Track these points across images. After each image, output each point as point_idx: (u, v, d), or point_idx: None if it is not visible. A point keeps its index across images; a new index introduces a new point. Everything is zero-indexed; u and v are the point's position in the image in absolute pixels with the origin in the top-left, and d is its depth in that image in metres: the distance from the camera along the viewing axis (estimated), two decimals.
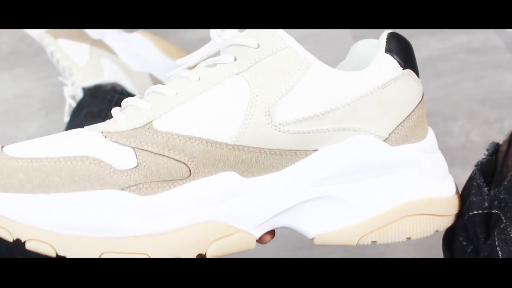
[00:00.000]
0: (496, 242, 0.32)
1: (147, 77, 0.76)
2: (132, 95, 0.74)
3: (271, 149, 0.33)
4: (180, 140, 0.32)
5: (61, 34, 0.75)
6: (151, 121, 0.32)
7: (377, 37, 0.37)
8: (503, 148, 0.37)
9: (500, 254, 0.32)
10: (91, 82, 0.73)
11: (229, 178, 0.32)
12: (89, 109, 0.70)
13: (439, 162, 0.37)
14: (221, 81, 0.33)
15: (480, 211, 0.35)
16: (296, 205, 0.34)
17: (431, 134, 0.37)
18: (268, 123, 0.32)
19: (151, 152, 0.31)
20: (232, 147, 0.32)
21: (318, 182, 0.34)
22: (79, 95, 0.74)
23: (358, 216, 0.35)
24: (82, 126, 0.67)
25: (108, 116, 0.70)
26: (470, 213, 0.35)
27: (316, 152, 0.34)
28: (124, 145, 0.32)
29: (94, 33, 0.75)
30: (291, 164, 0.33)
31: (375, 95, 0.33)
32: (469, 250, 0.36)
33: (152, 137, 0.32)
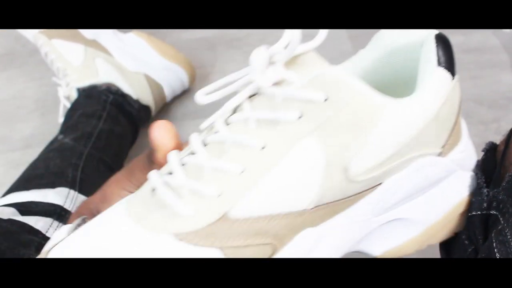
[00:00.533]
0: (494, 244, 0.32)
1: (143, 78, 0.75)
2: (127, 95, 0.73)
3: (343, 198, 0.31)
4: (261, 223, 0.29)
5: (55, 34, 0.74)
6: (226, 212, 0.28)
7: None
8: (501, 148, 0.36)
9: (497, 256, 0.32)
10: (85, 82, 0.73)
11: (306, 237, 0.30)
12: (84, 109, 0.70)
13: (471, 151, 0.37)
14: (291, 147, 0.28)
15: (479, 212, 0.34)
16: (361, 237, 0.34)
17: (464, 129, 0.36)
18: (344, 179, 0.30)
19: (237, 247, 0.28)
20: (311, 210, 0.30)
21: (383, 212, 0.33)
22: (74, 95, 0.73)
23: (417, 229, 0.35)
24: (76, 126, 0.68)
25: (102, 116, 0.71)
26: (469, 214, 0.35)
27: (381, 185, 0.32)
28: (209, 246, 0.28)
29: (89, 34, 0.75)
30: (357, 202, 0.32)
31: (434, 117, 0.32)
32: (470, 250, 0.36)
33: (232, 228, 0.28)
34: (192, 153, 0.30)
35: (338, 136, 0.29)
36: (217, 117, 0.31)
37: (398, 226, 0.35)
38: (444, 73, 0.32)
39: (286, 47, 0.29)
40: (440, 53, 0.33)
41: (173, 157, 0.31)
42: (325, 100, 0.28)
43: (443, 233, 0.37)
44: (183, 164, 0.30)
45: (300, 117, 0.28)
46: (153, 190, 0.30)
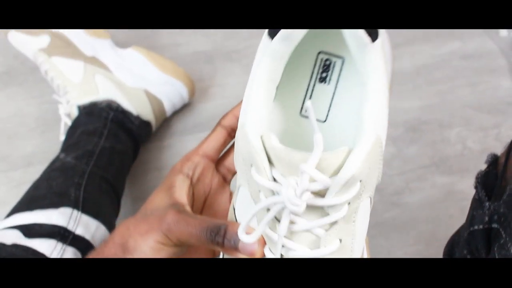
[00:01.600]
0: (496, 257, 0.32)
1: (142, 93, 0.76)
2: (127, 111, 0.74)
3: None
4: None
5: (55, 52, 0.75)
6: None
7: None
8: (502, 161, 0.37)
9: None
10: (86, 99, 0.73)
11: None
12: (85, 127, 0.70)
13: None
14: (355, 221, 0.31)
15: (481, 226, 0.34)
16: None
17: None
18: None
19: None
20: None
21: None
22: (75, 113, 0.73)
23: None
24: (78, 145, 0.68)
25: (103, 134, 0.71)
26: (471, 228, 0.35)
27: None
28: None
29: (88, 50, 0.75)
30: None
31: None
32: None
33: None
34: None
35: (372, 179, 0.30)
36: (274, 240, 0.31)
37: None
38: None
39: (314, 180, 0.28)
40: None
41: None
42: (361, 182, 0.29)
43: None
44: None
45: (349, 205, 0.30)
46: None
